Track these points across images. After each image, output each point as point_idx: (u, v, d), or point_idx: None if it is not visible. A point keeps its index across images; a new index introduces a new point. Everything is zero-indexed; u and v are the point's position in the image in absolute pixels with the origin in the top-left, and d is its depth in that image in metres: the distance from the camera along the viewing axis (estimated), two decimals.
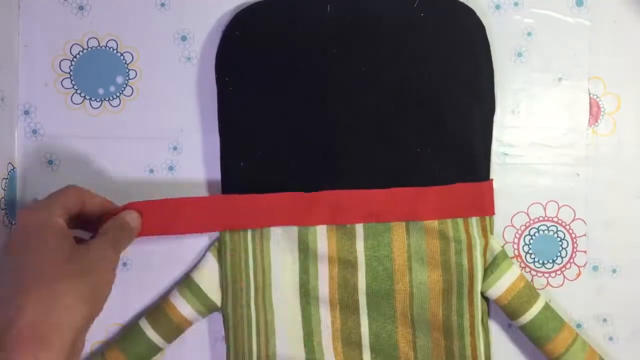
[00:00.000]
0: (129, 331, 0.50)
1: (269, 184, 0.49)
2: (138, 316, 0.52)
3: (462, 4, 0.50)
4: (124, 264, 0.52)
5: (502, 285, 0.49)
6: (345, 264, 0.49)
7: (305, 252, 0.50)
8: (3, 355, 0.36)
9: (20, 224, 0.41)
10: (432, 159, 0.49)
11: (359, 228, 0.49)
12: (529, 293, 0.49)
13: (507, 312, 0.49)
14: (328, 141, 0.49)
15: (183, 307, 0.49)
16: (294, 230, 0.49)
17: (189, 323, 0.50)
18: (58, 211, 0.42)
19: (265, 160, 0.49)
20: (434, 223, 0.49)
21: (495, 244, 0.50)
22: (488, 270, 0.49)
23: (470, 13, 0.50)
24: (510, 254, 0.52)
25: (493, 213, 0.50)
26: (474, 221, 0.50)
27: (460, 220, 0.49)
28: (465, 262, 0.48)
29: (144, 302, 0.52)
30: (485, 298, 0.50)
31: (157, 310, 0.50)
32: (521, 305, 0.48)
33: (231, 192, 0.49)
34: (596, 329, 0.52)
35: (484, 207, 0.50)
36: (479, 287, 0.49)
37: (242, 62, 0.50)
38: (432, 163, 0.49)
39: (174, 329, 0.50)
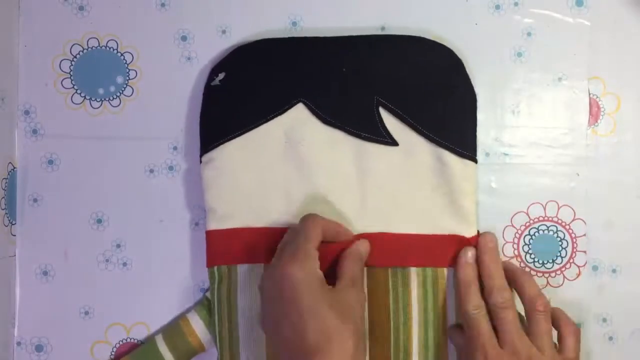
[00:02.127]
0: (144, 348, 0.50)
1: None
2: (156, 332, 0.51)
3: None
4: (124, 264, 0.52)
5: None
6: None
7: None
8: None
9: (289, 279, 0.41)
10: None
11: None
12: None
13: None
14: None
15: (200, 329, 0.49)
16: None
17: (202, 348, 0.50)
18: (316, 257, 0.43)
19: None
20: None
21: None
22: None
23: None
24: (510, 254, 0.52)
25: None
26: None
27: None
28: None
29: (143, 302, 0.52)
30: None
31: (175, 329, 0.50)
32: None
33: None
34: (596, 329, 0.52)
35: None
36: None
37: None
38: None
39: (189, 351, 0.49)
